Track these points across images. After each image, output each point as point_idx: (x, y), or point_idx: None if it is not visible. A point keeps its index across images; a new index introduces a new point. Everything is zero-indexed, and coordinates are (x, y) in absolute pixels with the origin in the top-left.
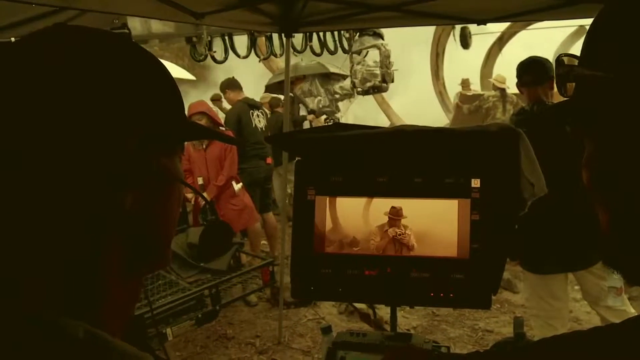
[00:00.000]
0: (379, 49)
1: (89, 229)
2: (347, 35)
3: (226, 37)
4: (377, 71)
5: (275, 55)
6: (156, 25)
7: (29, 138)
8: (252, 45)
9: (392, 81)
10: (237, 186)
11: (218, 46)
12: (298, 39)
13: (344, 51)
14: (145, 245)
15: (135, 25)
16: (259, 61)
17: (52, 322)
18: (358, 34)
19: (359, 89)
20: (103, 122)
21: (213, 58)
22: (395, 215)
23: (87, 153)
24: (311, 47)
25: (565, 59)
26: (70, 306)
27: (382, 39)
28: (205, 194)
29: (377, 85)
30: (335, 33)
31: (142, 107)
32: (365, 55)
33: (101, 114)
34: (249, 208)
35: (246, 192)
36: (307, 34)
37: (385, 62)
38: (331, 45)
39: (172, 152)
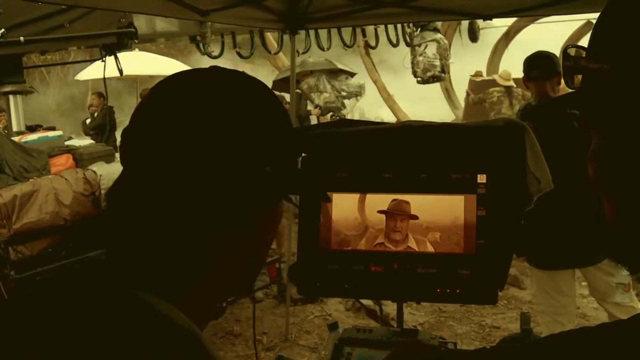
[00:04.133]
0: (437, 42)
1: (218, 238)
2: (409, 30)
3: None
4: (437, 62)
5: (297, 52)
6: (161, 24)
7: (192, 159)
8: (261, 40)
9: (448, 72)
10: None
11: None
12: (347, 32)
13: (407, 44)
14: (252, 262)
15: (141, 24)
16: (273, 54)
17: (162, 313)
18: (419, 29)
19: (419, 79)
20: (248, 151)
21: (239, 54)
22: (397, 210)
23: (233, 176)
24: (341, 39)
25: (573, 50)
26: (174, 298)
27: (440, 33)
28: None
29: (437, 75)
30: (399, 27)
31: (275, 139)
32: (426, 48)
33: (246, 145)
34: None
35: None
36: (362, 28)
37: (443, 54)
38: (393, 38)
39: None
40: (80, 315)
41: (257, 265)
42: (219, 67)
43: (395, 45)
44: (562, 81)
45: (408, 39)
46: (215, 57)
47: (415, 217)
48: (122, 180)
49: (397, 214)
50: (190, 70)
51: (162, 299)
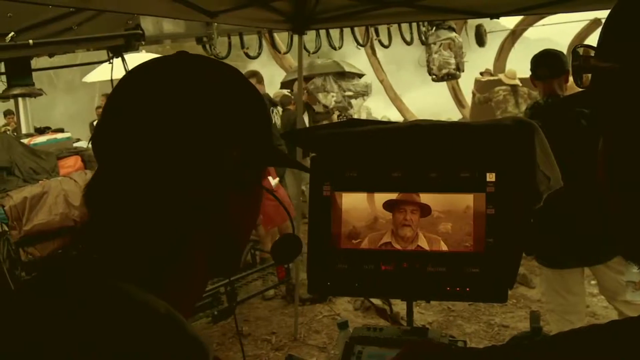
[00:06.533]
0: (452, 41)
1: (190, 222)
2: (424, 28)
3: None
4: (452, 60)
5: (308, 52)
6: (167, 26)
7: (159, 143)
8: (271, 40)
9: (463, 70)
10: (273, 181)
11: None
12: (360, 31)
13: (422, 43)
14: (230, 246)
15: (148, 26)
16: (283, 54)
17: (141, 301)
18: (434, 28)
19: (434, 76)
20: (212, 133)
21: (247, 54)
22: (406, 202)
23: (201, 157)
24: (354, 38)
25: (582, 50)
26: (154, 286)
27: (455, 32)
28: None
29: (452, 72)
30: (414, 25)
31: (243, 122)
32: (441, 46)
33: (210, 127)
34: (286, 203)
35: (282, 187)
36: (375, 27)
37: (458, 52)
38: (407, 37)
39: (261, 167)
40: (58, 307)
41: (236, 248)
42: (186, 52)
43: (409, 44)
44: (570, 79)
45: (423, 38)
46: (222, 58)
47: (428, 208)
48: (97, 175)
49: (407, 203)
50: (157, 57)
51: (140, 287)
